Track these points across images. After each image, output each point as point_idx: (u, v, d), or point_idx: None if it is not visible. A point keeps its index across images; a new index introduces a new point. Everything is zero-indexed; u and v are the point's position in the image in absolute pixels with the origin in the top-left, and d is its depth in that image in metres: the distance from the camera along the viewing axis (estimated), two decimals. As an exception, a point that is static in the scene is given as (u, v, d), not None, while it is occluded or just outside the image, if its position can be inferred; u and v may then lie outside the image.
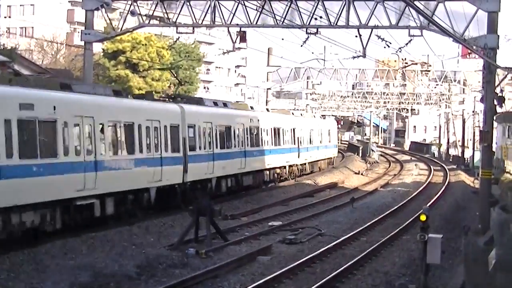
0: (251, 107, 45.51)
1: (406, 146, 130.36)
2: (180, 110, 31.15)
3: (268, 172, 42.76)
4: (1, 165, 19.57)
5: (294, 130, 48.73)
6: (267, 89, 73.88)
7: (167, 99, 34.01)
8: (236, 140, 36.89)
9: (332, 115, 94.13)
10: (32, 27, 77.39)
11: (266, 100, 73.03)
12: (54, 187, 21.71)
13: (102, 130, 24.63)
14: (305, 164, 52.59)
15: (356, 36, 33.58)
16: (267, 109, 50.32)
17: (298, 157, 49.65)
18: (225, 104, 38.46)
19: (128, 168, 26.14)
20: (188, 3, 32.98)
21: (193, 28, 34.51)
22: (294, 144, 48.64)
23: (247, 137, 38.51)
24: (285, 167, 46.82)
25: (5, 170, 19.61)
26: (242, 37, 34.70)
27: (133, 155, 26.57)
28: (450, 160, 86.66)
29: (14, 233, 20.50)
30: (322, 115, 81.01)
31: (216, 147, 34.08)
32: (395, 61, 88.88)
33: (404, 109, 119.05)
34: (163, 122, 28.92)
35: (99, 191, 23.99)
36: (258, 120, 41.03)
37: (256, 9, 32.56)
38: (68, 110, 22.81)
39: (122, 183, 25.72)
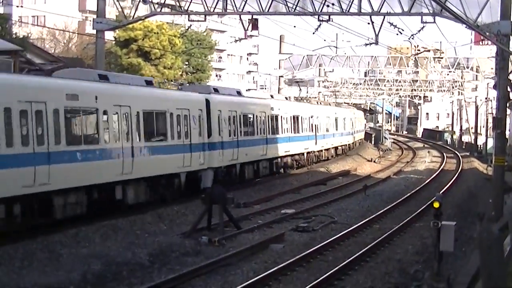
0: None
1: (419, 133, 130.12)
2: None
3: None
4: None
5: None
6: (279, 76, 73.63)
7: None
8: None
9: (345, 103, 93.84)
10: (44, 16, 77.47)
11: (279, 88, 72.82)
12: None
13: None
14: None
15: (369, 23, 33.52)
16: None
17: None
18: None
19: None
20: (199, -9, 32.95)
21: (205, 16, 34.51)
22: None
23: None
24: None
25: None
26: (254, 24, 34.67)
27: None
28: (463, 147, 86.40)
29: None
30: (335, 103, 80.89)
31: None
32: (407, 48, 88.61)
33: (417, 96, 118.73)
34: None
35: None
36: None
37: (268, -3, 32.49)
38: None
39: None
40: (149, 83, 29.02)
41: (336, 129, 59.01)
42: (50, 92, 22.12)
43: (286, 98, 52.17)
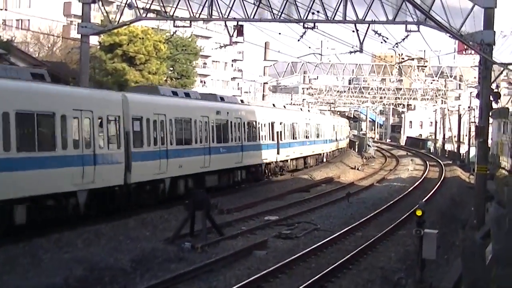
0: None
1: (402, 141, 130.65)
2: None
3: None
4: None
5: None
6: (264, 83, 73.72)
7: None
8: None
9: (329, 110, 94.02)
10: (29, 20, 77.05)
11: (263, 95, 72.91)
12: None
13: None
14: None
15: (353, 31, 33.57)
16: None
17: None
18: None
19: None
20: (185, -3, 32.90)
21: (190, 22, 34.45)
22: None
23: None
24: None
25: None
26: (239, 31, 34.63)
27: None
28: (446, 155, 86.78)
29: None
30: (320, 110, 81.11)
31: None
32: (391, 56, 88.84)
33: (400, 104, 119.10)
34: None
35: None
36: None
37: (254, 3, 32.49)
38: None
39: None
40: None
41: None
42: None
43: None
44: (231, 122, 36.89)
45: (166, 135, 29.58)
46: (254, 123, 40.82)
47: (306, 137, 54.25)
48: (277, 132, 45.16)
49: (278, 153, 45.53)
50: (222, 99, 38.20)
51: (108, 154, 25.37)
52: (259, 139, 41.81)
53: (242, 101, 43.62)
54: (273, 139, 44.37)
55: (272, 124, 44.32)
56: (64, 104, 23.23)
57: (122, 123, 26.35)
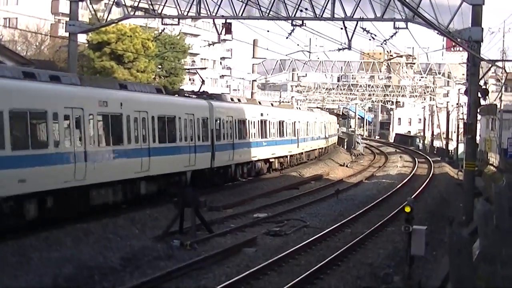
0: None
1: (391, 138, 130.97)
2: None
3: None
4: None
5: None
6: (253, 81, 73.68)
7: None
8: None
9: (317, 107, 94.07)
10: (16, 18, 76.79)
11: (252, 92, 72.87)
12: None
13: None
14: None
15: (342, 29, 33.63)
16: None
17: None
18: None
19: None
20: (173, -5, 32.87)
21: (179, 20, 34.39)
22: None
23: None
24: None
25: None
26: (228, 28, 34.64)
27: None
28: (435, 152, 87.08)
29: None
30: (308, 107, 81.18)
31: None
32: (380, 53, 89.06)
33: (389, 101, 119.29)
34: None
35: None
36: None
37: (242, 1, 32.50)
38: None
39: None
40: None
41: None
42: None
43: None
44: None
45: None
46: None
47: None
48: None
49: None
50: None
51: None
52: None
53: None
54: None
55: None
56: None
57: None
